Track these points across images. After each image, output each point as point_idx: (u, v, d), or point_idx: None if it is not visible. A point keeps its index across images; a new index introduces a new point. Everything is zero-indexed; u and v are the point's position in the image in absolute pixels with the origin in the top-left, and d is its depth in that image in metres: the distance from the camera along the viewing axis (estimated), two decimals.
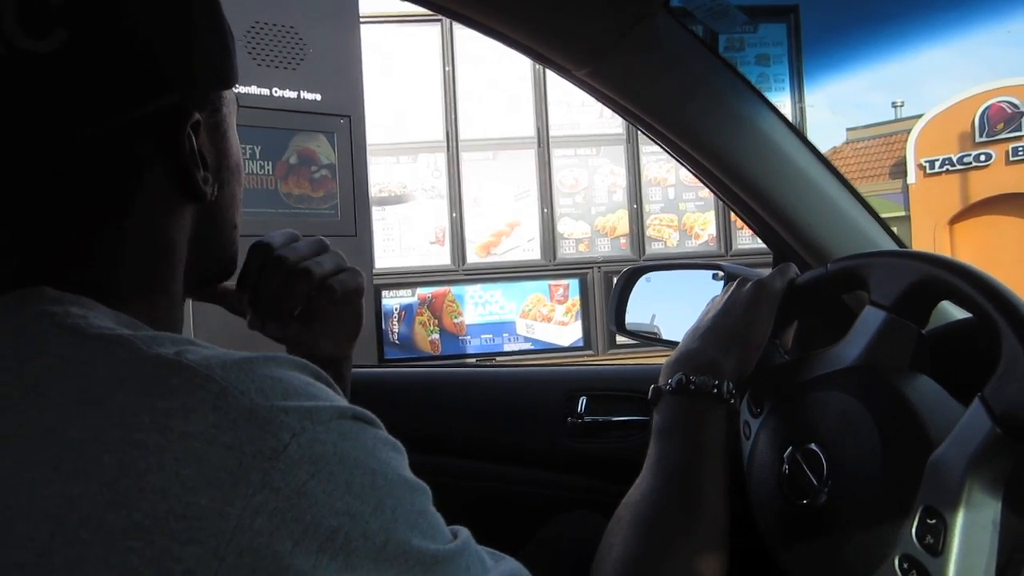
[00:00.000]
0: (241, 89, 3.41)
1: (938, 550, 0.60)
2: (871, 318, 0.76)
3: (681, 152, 1.06)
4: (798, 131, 1.06)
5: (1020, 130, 13.72)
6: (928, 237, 13.77)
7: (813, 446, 0.75)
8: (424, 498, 0.49)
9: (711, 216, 5.35)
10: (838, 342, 0.79)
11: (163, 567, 0.39)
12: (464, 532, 0.52)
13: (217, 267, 0.67)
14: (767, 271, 0.90)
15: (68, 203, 0.52)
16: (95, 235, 0.54)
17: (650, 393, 0.81)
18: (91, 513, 0.40)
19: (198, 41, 0.57)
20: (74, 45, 0.49)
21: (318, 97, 3.61)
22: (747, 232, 5.20)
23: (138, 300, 0.56)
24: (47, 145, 0.51)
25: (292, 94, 3.54)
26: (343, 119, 3.67)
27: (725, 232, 5.34)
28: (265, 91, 3.47)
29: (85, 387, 0.44)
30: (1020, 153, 13.68)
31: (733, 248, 5.32)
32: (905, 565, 0.62)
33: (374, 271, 4.43)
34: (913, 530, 0.62)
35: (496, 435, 1.35)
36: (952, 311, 0.96)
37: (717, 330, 0.83)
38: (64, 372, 0.44)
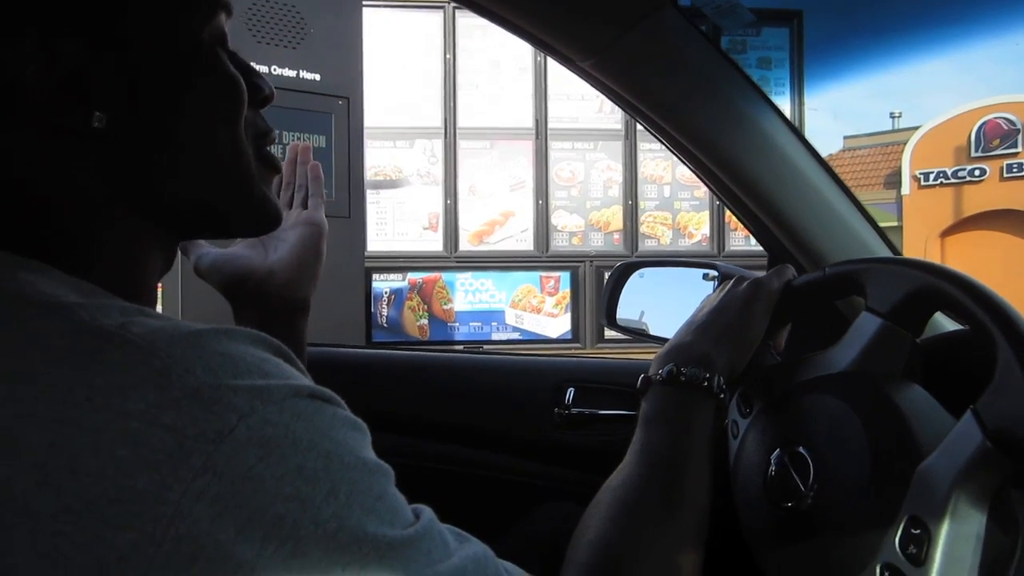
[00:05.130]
0: None
1: (920, 560, 0.60)
2: (866, 324, 0.76)
3: (681, 148, 1.05)
4: (800, 134, 1.05)
5: (1016, 147, 13.80)
6: (920, 248, 13.84)
7: (801, 449, 0.74)
8: (384, 480, 0.46)
9: (705, 216, 5.36)
10: (832, 346, 0.79)
11: (95, 553, 0.37)
12: (427, 513, 0.49)
13: (206, 213, 0.60)
14: (761, 273, 0.90)
15: None
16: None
17: (639, 382, 0.81)
18: (17, 495, 0.38)
19: None
20: None
21: (317, 77, 3.60)
22: (741, 233, 5.21)
23: (89, 261, 0.52)
24: None
25: (291, 73, 3.52)
26: (341, 100, 3.65)
27: (719, 232, 5.35)
28: (264, 68, 3.45)
29: (19, 358, 0.41)
30: (1015, 170, 13.77)
31: (726, 249, 5.33)
32: (887, 573, 0.62)
33: (366, 254, 4.42)
34: (897, 539, 0.62)
35: (482, 422, 1.35)
36: (943, 322, 0.96)
37: (712, 325, 0.82)
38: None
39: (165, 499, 0.38)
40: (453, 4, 4.79)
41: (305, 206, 0.89)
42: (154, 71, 0.54)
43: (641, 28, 0.92)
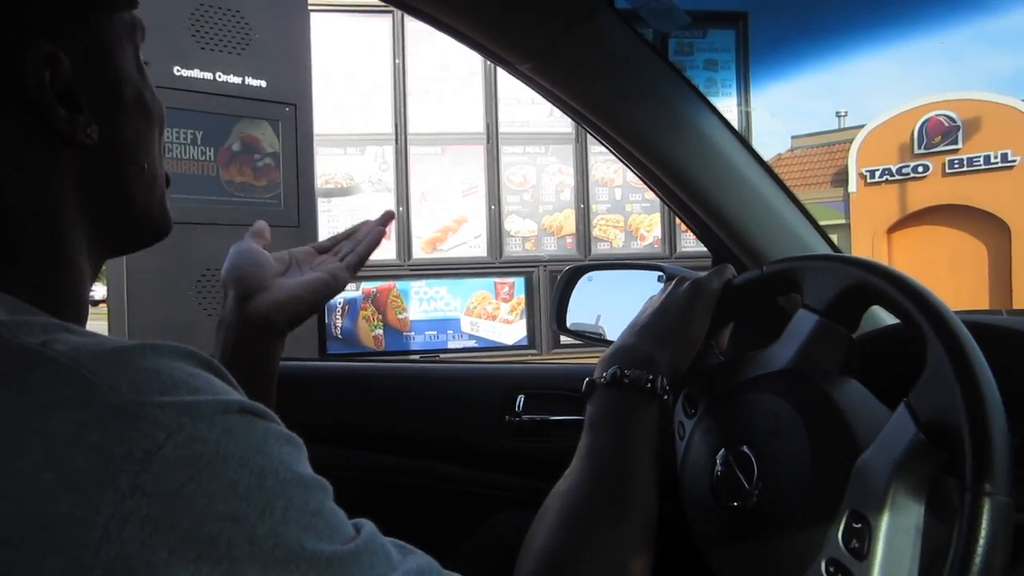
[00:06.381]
0: (184, 72, 3.34)
1: (863, 554, 0.60)
2: (803, 322, 0.76)
3: (623, 151, 1.06)
4: (740, 135, 1.06)
5: (957, 143, 14.17)
6: (867, 245, 14.12)
7: (745, 448, 0.75)
8: (321, 495, 0.45)
9: (657, 218, 5.40)
10: (772, 344, 0.80)
11: None
12: (368, 527, 0.48)
13: (130, 223, 0.60)
14: (703, 273, 0.90)
15: None
16: None
17: (584, 386, 0.80)
18: None
19: None
20: None
21: (263, 84, 3.54)
22: (692, 235, 5.27)
23: (23, 276, 0.51)
24: None
25: (237, 79, 3.47)
26: (288, 107, 3.61)
27: (670, 234, 5.39)
28: (208, 75, 3.39)
29: None
30: (956, 166, 14.13)
31: (678, 250, 5.38)
32: (831, 569, 0.62)
33: None
34: (839, 534, 0.62)
35: (432, 432, 1.34)
36: (884, 317, 0.97)
37: (654, 327, 0.83)
38: None
39: (93, 523, 0.36)
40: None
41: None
42: (118, 89, 0.57)
43: (579, 31, 0.92)
